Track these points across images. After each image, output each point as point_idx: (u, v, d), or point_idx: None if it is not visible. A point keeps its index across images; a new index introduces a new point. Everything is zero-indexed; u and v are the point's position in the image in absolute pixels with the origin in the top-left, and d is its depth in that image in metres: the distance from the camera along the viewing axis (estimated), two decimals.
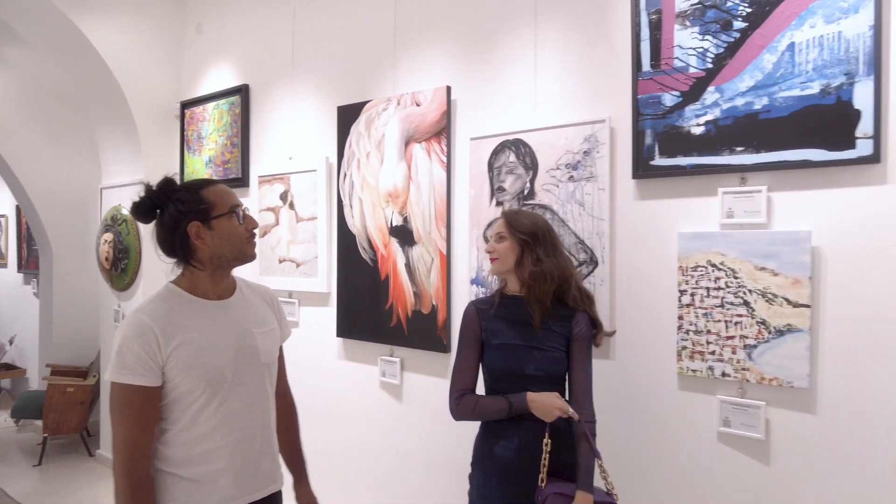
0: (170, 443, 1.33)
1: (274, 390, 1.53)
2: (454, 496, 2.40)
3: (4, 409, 5.56)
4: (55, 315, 5.06)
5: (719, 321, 1.85)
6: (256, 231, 1.46)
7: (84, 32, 3.46)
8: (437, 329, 2.51)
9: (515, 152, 2.28)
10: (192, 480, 1.33)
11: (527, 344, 1.71)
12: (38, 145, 5.02)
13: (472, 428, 1.83)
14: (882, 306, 1.64)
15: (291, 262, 3.13)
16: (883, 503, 1.64)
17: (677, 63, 1.93)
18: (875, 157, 1.61)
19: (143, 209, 1.36)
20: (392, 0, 2.75)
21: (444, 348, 2.49)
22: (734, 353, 1.83)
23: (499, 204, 2.32)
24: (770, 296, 1.77)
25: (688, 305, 1.91)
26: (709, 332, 1.87)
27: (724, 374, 1.85)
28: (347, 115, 2.85)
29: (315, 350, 3.05)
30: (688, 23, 1.91)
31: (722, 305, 1.85)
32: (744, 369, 1.81)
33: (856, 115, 1.63)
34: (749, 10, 1.80)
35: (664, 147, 1.94)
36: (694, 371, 1.90)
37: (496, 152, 2.33)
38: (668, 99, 1.94)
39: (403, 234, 2.64)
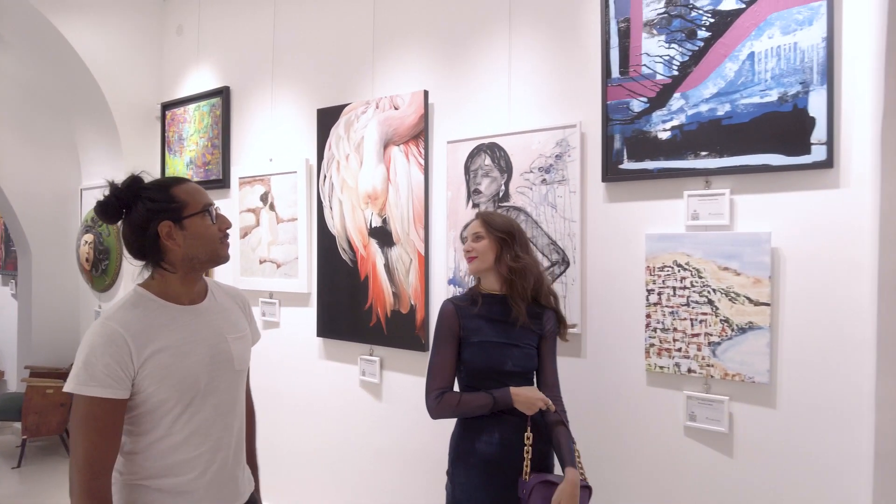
0: (140, 454, 1.27)
1: (244, 397, 1.49)
2: (433, 492, 2.45)
3: None
4: (34, 316, 5.02)
5: (685, 319, 1.92)
6: (230, 231, 1.41)
7: (63, 34, 3.45)
8: (415, 328, 2.56)
9: (491, 155, 2.34)
10: (163, 492, 1.28)
11: (505, 341, 1.75)
12: (16, 146, 4.97)
13: (452, 425, 1.87)
14: (835, 305, 1.72)
15: (272, 263, 3.16)
16: (835, 491, 1.72)
17: (645, 70, 1.99)
18: (828, 163, 1.69)
19: (109, 209, 1.28)
20: (370, 5, 2.79)
21: (423, 347, 2.53)
22: (699, 349, 1.90)
23: (475, 206, 2.37)
24: (733, 295, 1.84)
25: (655, 304, 1.98)
26: (675, 329, 1.94)
27: (690, 371, 1.92)
28: (327, 118, 2.89)
29: (295, 350, 3.09)
30: (655, 31, 1.98)
31: (687, 304, 1.92)
32: (708, 365, 1.89)
33: (811, 122, 1.71)
34: (712, 20, 1.88)
35: (632, 151, 2.01)
36: (661, 367, 1.97)
37: (472, 155, 2.39)
38: (637, 105, 2.00)
39: (382, 236, 2.68)
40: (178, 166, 3.73)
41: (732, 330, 1.84)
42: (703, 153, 1.89)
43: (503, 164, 2.30)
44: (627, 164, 2.02)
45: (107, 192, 1.28)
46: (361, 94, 2.82)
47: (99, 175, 3.99)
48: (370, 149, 2.70)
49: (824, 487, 1.74)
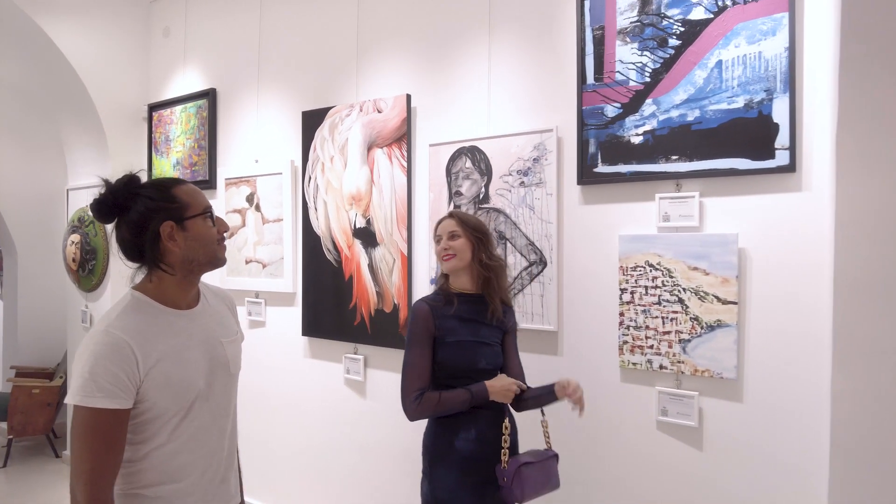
0: (139, 463, 1.24)
1: (236, 400, 1.47)
2: (418, 488, 2.50)
3: None
4: (20, 316, 5.03)
5: (657, 317, 1.99)
6: (226, 235, 1.39)
7: (50, 36, 3.46)
8: (398, 327, 2.62)
9: (471, 158, 2.40)
10: (161, 499, 1.25)
11: (478, 340, 1.80)
12: (2, 146, 4.98)
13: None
14: (798, 303, 1.80)
15: (258, 263, 3.20)
16: (796, 480, 1.80)
17: (619, 76, 2.06)
18: (791, 167, 1.76)
19: (105, 208, 1.24)
20: (355, 11, 2.84)
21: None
22: (670, 346, 1.97)
23: (457, 207, 2.43)
24: (702, 294, 1.91)
25: (628, 303, 2.04)
26: (647, 327, 2.01)
27: (661, 367, 1.99)
28: (312, 120, 2.93)
29: (281, 349, 3.13)
30: (628, 39, 2.05)
31: (659, 303, 1.99)
32: (679, 362, 1.95)
33: (775, 128, 1.78)
34: (682, 28, 1.94)
35: (606, 155, 2.08)
36: (634, 364, 2.04)
37: (454, 158, 2.45)
38: (610, 110, 2.07)
39: (366, 236, 2.74)
40: (165, 167, 3.76)
41: (702, 328, 1.91)
42: (674, 157, 1.96)
43: (483, 166, 2.36)
44: (602, 168, 2.09)
45: (102, 191, 1.24)
46: (346, 97, 2.87)
47: (85, 176, 4.01)
48: (354, 151, 2.75)
49: (786, 477, 1.81)
